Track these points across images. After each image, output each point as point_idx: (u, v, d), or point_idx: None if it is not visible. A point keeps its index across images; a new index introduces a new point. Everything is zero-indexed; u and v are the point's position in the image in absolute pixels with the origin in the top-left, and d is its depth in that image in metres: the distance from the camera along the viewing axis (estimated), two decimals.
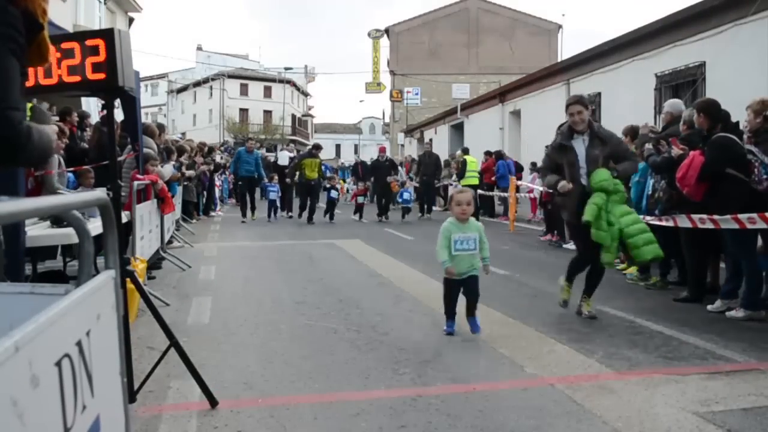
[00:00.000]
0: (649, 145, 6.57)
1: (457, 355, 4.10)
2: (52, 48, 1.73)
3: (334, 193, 14.80)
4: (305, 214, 14.39)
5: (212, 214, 15.88)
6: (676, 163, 5.94)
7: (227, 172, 18.98)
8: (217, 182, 17.52)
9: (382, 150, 17.42)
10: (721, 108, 5.54)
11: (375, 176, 16.38)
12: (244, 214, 14.41)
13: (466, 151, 16.07)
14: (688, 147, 5.84)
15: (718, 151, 5.28)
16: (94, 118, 8.85)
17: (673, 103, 7.21)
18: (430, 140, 18.34)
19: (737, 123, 5.48)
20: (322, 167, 14.92)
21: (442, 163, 17.63)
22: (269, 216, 14.73)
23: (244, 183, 14.62)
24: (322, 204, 15.03)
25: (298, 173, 14.64)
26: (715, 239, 5.78)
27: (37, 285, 1.62)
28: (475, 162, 15.31)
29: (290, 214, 15.70)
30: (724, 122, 5.46)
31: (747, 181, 5.11)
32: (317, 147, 14.75)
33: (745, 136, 5.35)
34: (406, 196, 15.59)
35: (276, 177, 15.54)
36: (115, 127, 3.34)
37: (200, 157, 14.38)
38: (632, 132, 7.93)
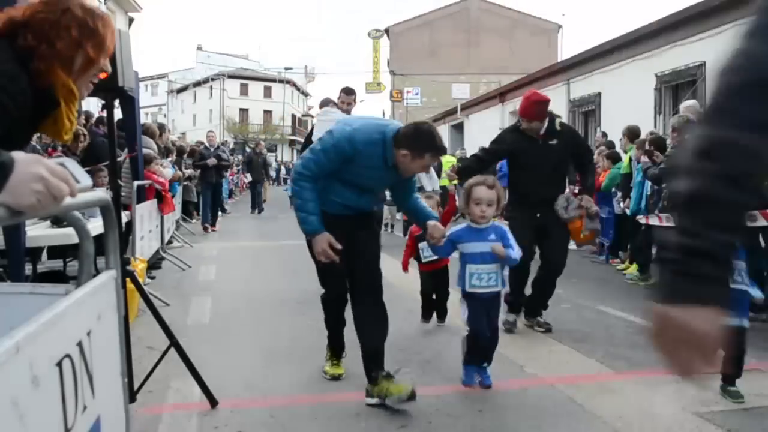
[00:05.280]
0: (645, 158, 6.54)
1: (457, 355, 4.08)
2: (68, 124, 1.72)
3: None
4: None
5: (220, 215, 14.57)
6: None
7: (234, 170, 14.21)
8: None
9: (536, 103, 4.59)
10: None
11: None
12: (337, 351, 3.72)
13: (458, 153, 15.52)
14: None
15: None
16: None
17: (691, 105, 7.09)
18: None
19: None
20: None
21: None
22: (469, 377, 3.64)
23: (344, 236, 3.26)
24: None
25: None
26: None
27: (37, 285, 1.62)
28: (452, 162, 14.74)
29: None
30: None
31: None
32: None
33: None
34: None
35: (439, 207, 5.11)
36: (114, 127, 3.34)
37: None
38: (630, 133, 7.94)
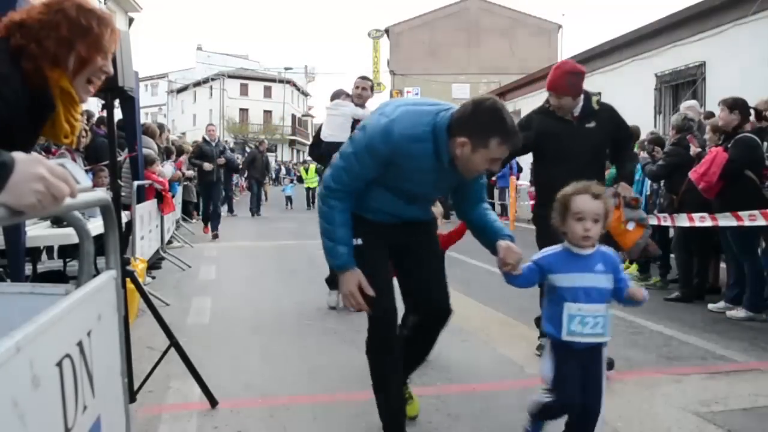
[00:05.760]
0: (644, 154, 6.52)
1: (457, 355, 4.09)
2: (67, 128, 1.69)
3: None
4: None
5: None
6: (673, 171, 5.93)
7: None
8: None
9: (568, 73, 3.81)
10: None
11: None
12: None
13: None
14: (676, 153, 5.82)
15: (743, 150, 5.18)
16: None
17: (691, 105, 7.07)
18: None
19: (766, 127, 5.38)
20: None
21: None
22: None
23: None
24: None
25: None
26: (712, 239, 5.78)
27: (37, 285, 1.62)
28: None
29: None
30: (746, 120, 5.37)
31: (760, 187, 5.08)
32: None
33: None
34: None
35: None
36: (114, 127, 3.34)
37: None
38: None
